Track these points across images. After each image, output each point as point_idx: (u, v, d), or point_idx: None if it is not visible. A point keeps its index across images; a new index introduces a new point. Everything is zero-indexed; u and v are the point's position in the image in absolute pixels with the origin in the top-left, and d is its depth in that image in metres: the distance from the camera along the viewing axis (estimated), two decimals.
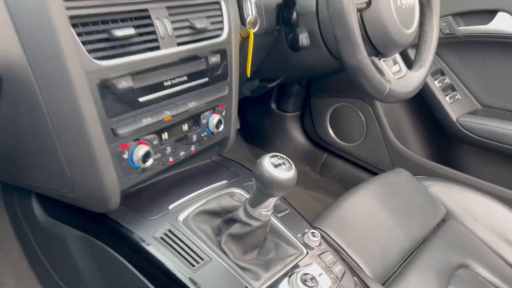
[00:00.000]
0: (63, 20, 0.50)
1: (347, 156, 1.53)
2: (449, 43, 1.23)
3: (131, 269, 0.62)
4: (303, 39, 0.86)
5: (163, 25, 0.64)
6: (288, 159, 0.56)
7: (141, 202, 0.68)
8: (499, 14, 1.11)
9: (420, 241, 0.91)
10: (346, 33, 0.73)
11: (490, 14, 1.13)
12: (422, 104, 1.31)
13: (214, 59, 0.74)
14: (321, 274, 0.62)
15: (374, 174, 1.14)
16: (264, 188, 0.56)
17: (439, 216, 0.99)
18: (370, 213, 0.92)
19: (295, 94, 1.60)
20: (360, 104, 1.41)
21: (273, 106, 1.65)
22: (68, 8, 0.51)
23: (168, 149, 0.69)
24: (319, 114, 1.55)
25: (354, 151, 1.50)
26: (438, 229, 0.95)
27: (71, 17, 0.51)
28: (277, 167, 0.55)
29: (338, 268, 0.65)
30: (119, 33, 0.56)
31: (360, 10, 0.78)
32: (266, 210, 0.60)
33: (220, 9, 0.76)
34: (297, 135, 1.67)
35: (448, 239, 0.93)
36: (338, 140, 1.53)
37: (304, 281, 0.58)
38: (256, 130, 1.68)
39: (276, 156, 0.56)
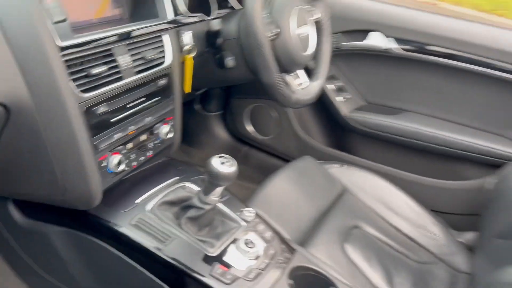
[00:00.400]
0: (59, 65, 0.66)
1: (264, 148, 1.74)
2: (340, 54, 1.49)
3: (114, 252, 0.79)
4: (229, 62, 1.07)
5: (124, 60, 0.81)
6: (231, 158, 0.77)
7: (113, 199, 0.85)
8: (373, 33, 1.41)
9: (324, 211, 1.12)
10: (263, 60, 0.96)
11: (365, 32, 1.43)
12: (322, 104, 1.55)
13: (162, 81, 0.92)
14: (257, 238, 0.85)
15: (287, 161, 1.32)
16: (214, 180, 0.77)
17: (337, 191, 1.20)
18: (286, 193, 1.12)
19: (217, 96, 1.79)
20: (273, 104, 1.63)
21: (198, 107, 1.83)
22: (63, 55, 0.67)
23: (132, 156, 0.87)
24: (239, 113, 1.74)
25: (270, 144, 1.71)
26: (337, 201, 1.16)
27: (64, 61, 0.68)
28: (223, 164, 0.76)
29: (268, 234, 0.88)
30: (94, 71, 0.73)
31: (272, 40, 1.02)
32: (215, 196, 0.81)
33: (162, 41, 0.94)
34: (220, 131, 1.87)
35: (344, 208, 1.15)
36: (255, 135, 1.74)
37: (246, 244, 0.81)
38: (184, 129, 1.86)
39: (222, 156, 0.77)
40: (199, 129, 1.86)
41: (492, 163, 1.32)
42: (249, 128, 1.76)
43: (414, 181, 1.44)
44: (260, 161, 1.77)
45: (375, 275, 1.00)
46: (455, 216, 1.38)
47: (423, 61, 1.39)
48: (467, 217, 1.35)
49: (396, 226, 1.16)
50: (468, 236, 1.23)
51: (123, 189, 0.88)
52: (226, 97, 1.80)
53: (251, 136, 1.77)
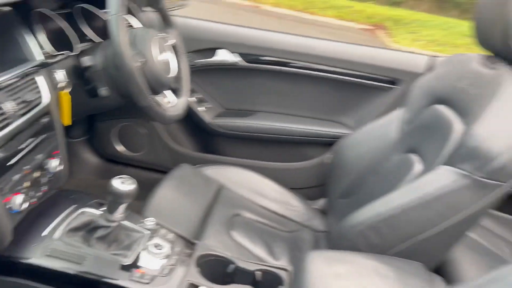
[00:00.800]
0: None
1: (138, 164, 1.81)
2: (195, 71, 1.65)
3: (34, 285, 0.84)
4: (103, 91, 1.16)
5: (8, 106, 0.86)
6: (130, 177, 0.90)
7: (20, 236, 0.89)
8: (220, 50, 1.66)
9: (208, 208, 1.26)
10: (136, 87, 1.08)
11: (214, 50, 1.66)
12: (188, 115, 1.62)
13: (45, 119, 0.98)
14: (163, 241, 0.98)
15: (163, 173, 1.39)
16: (117, 198, 0.89)
17: (215, 188, 1.35)
18: (173, 199, 1.25)
19: (80, 122, 1.78)
20: (140, 121, 1.72)
21: None
22: None
23: (31, 193, 0.92)
24: (106, 135, 1.77)
25: (143, 159, 1.79)
26: (217, 197, 1.32)
27: None
28: (123, 184, 0.88)
29: (170, 235, 1.02)
30: None
31: (140, 67, 1.15)
32: (119, 214, 0.92)
33: (37, 82, 1.00)
34: (88, 156, 1.86)
35: (224, 202, 1.31)
36: (127, 153, 1.80)
37: (155, 247, 0.94)
38: None
39: (122, 177, 0.89)
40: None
41: (328, 143, 1.66)
42: (119, 147, 1.82)
43: (273, 167, 1.72)
44: (136, 177, 1.80)
45: (259, 250, 1.21)
46: (308, 189, 1.69)
47: (262, 70, 1.69)
48: (317, 188, 1.67)
49: (267, 207, 1.39)
50: (320, 203, 1.54)
51: (26, 226, 0.91)
52: (90, 122, 1.82)
53: (123, 155, 1.82)
